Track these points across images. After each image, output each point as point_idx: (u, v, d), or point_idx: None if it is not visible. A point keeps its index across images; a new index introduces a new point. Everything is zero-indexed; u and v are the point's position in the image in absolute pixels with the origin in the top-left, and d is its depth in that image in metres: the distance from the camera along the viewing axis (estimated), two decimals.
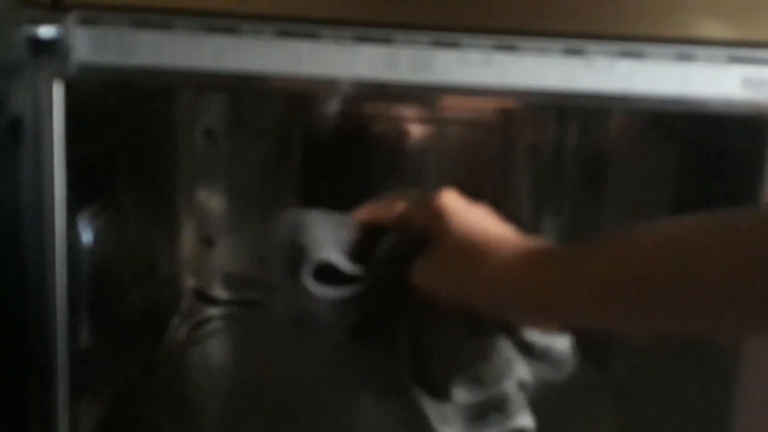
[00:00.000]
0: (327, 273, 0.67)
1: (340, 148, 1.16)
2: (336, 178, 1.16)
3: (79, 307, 0.73)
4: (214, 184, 1.15)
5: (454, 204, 0.65)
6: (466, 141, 1.17)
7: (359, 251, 0.70)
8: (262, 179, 1.15)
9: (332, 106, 1.14)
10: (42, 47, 0.59)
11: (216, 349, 1.05)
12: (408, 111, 1.16)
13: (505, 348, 0.65)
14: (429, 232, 0.65)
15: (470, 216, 0.65)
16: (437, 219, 0.64)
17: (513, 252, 0.61)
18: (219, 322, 1.13)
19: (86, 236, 0.77)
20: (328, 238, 0.69)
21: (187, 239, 1.15)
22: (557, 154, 1.18)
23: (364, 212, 0.73)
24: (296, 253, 0.69)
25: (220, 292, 1.18)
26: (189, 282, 1.17)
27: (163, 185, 1.09)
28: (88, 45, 0.60)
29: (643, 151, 0.97)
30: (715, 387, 0.76)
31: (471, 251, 0.62)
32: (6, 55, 0.58)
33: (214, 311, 1.16)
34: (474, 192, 1.17)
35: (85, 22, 0.60)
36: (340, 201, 1.16)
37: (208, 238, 1.16)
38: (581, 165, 1.17)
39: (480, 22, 0.62)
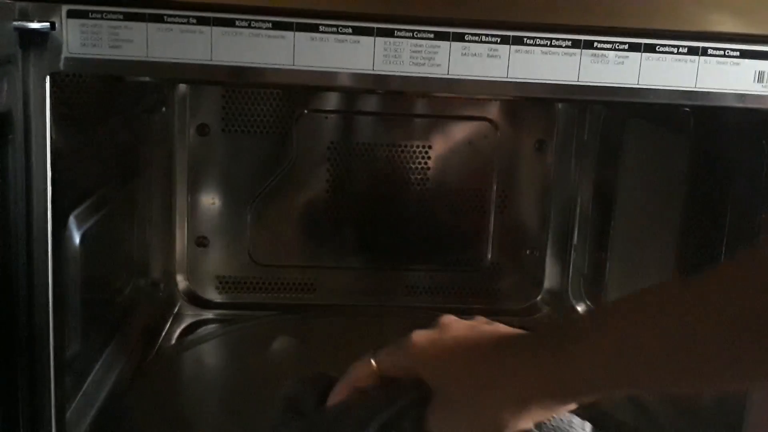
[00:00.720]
0: None
1: (338, 146, 1.14)
2: (334, 176, 1.15)
3: (69, 308, 0.72)
4: (207, 182, 1.13)
5: (428, 345, 0.60)
6: (471, 136, 1.16)
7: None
8: (258, 177, 1.13)
9: (331, 102, 1.13)
10: (33, 41, 0.58)
11: (209, 352, 1.04)
12: (410, 105, 1.15)
13: None
14: (419, 382, 0.59)
15: (451, 346, 0.60)
16: (424, 370, 0.59)
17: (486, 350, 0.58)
18: (213, 325, 1.11)
19: (77, 236, 0.76)
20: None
21: (181, 239, 1.14)
22: (565, 151, 1.18)
23: (340, 392, 0.63)
24: None
25: (213, 294, 1.16)
26: (182, 284, 1.15)
27: (156, 183, 1.08)
28: (80, 38, 0.59)
29: (654, 147, 0.96)
30: (729, 397, 0.75)
31: (484, 376, 0.57)
32: None
33: (207, 314, 1.14)
34: (479, 190, 1.17)
35: (77, 15, 0.59)
36: (340, 199, 1.16)
37: (201, 239, 1.14)
38: (590, 162, 1.16)
39: (486, 14, 0.61)
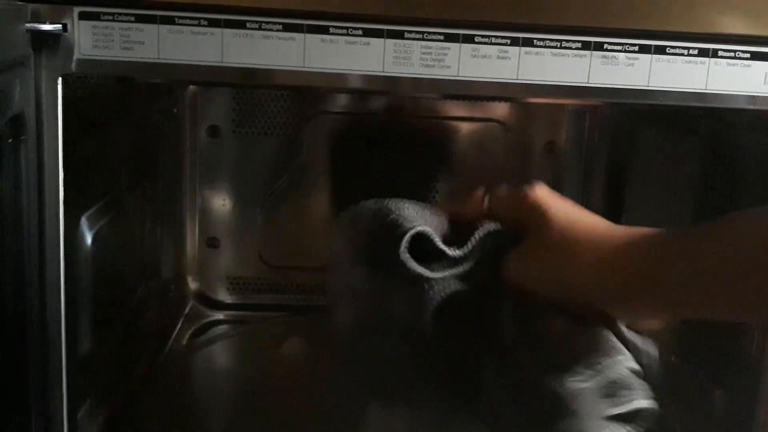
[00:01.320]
0: (420, 252, 0.64)
1: (349, 147, 1.14)
2: (345, 177, 1.15)
3: (81, 309, 0.72)
4: (218, 184, 1.13)
5: (548, 197, 0.64)
6: (480, 138, 1.16)
7: (448, 240, 0.66)
8: (268, 178, 1.14)
9: (341, 102, 1.13)
10: (45, 42, 0.59)
11: (220, 353, 1.04)
12: (419, 107, 1.15)
13: (611, 338, 0.63)
14: (523, 226, 0.63)
15: (565, 209, 0.63)
16: (534, 212, 0.63)
17: (616, 239, 0.60)
18: (223, 326, 1.11)
19: (88, 237, 0.76)
20: (419, 218, 0.66)
21: (191, 241, 1.14)
22: (575, 152, 1.17)
23: (449, 205, 0.70)
24: (387, 230, 0.64)
25: (224, 295, 1.17)
26: (193, 285, 1.15)
27: (167, 184, 1.08)
28: (91, 40, 0.59)
29: (664, 149, 0.95)
30: (739, 398, 0.75)
31: (572, 242, 0.61)
32: (8, 50, 0.56)
33: (218, 315, 1.14)
34: (488, 192, 1.17)
35: (89, 17, 0.59)
36: (348, 200, 1.16)
37: (212, 240, 1.15)
38: (600, 164, 1.16)
39: (495, 16, 0.61)
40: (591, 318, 0.62)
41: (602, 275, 0.59)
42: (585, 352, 0.61)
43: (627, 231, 0.61)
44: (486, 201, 0.67)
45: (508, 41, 0.61)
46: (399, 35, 0.61)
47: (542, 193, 0.64)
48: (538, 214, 0.62)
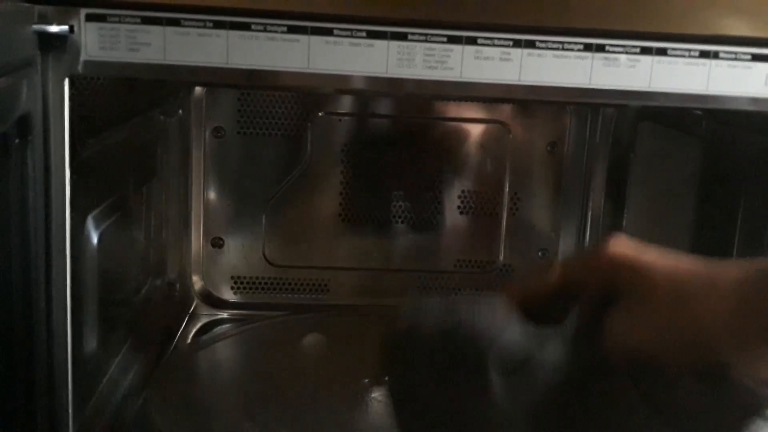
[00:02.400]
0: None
1: (352, 148, 1.15)
2: (348, 178, 1.16)
3: (87, 308, 0.73)
4: (223, 184, 1.14)
5: (634, 249, 0.55)
6: (483, 139, 1.16)
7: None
8: (272, 179, 1.14)
9: (345, 104, 1.14)
10: (52, 44, 0.59)
11: (224, 351, 1.04)
12: (423, 109, 1.16)
13: (746, 392, 0.53)
14: (610, 288, 0.54)
15: (658, 256, 0.54)
16: (622, 270, 0.54)
17: (734, 278, 0.51)
18: (228, 325, 1.12)
19: (94, 237, 0.76)
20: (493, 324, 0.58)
21: (196, 240, 1.15)
22: (577, 153, 1.17)
23: (516, 294, 0.58)
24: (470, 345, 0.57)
25: (228, 294, 1.17)
26: (197, 284, 1.16)
27: (172, 185, 1.09)
28: (98, 42, 0.60)
29: (665, 149, 0.95)
30: None
31: (681, 292, 0.52)
32: (15, 51, 0.56)
33: (222, 313, 1.15)
34: (491, 192, 1.18)
35: (95, 19, 0.59)
36: (352, 200, 1.17)
37: (216, 240, 1.15)
38: (602, 164, 1.16)
39: (498, 18, 0.61)
40: (720, 375, 0.52)
41: (725, 323, 0.49)
42: (725, 416, 0.54)
43: (738, 266, 0.52)
44: (557, 272, 0.58)
45: (511, 43, 0.61)
46: (402, 37, 0.61)
47: (625, 248, 0.55)
48: (627, 272, 0.54)
